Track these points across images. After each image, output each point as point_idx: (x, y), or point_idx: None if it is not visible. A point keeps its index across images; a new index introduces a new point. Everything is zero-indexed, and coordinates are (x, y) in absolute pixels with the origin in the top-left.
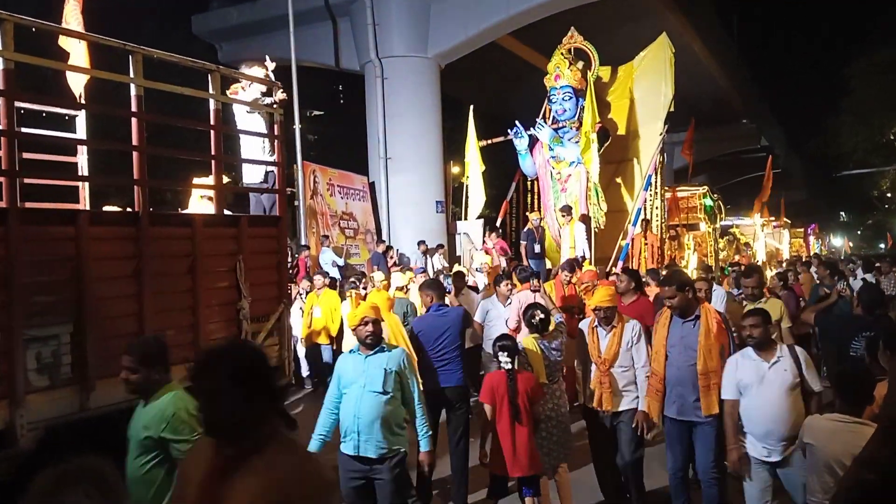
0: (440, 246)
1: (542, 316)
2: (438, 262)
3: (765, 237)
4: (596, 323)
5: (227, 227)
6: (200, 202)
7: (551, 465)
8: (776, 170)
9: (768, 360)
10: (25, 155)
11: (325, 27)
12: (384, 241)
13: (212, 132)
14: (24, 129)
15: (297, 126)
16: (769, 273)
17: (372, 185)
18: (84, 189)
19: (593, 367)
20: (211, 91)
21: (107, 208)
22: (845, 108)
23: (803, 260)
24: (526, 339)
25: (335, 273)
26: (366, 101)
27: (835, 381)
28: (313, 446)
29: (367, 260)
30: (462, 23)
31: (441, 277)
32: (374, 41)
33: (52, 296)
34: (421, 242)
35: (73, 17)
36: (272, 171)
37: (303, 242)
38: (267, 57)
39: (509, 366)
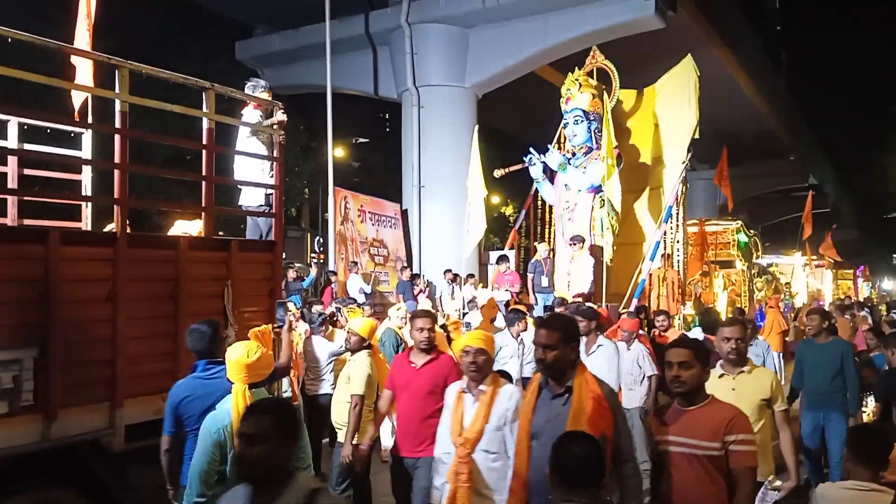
0: (471, 276)
1: None
2: (469, 291)
3: (806, 277)
4: (465, 385)
5: (215, 250)
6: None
7: None
8: (825, 209)
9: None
10: (26, 171)
11: (364, 55)
12: (408, 268)
13: (204, 152)
14: (25, 146)
15: (329, 151)
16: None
17: (405, 213)
18: (86, 208)
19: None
20: (205, 109)
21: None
22: (894, 145)
23: (845, 303)
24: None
25: (362, 300)
26: (402, 129)
27: (850, 440)
28: None
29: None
30: (500, 53)
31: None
32: (411, 70)
33: (15, 318)
34: (447, 271)
35: (81, 35)
36: (271, 195)
37: (331, 268)
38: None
39: None
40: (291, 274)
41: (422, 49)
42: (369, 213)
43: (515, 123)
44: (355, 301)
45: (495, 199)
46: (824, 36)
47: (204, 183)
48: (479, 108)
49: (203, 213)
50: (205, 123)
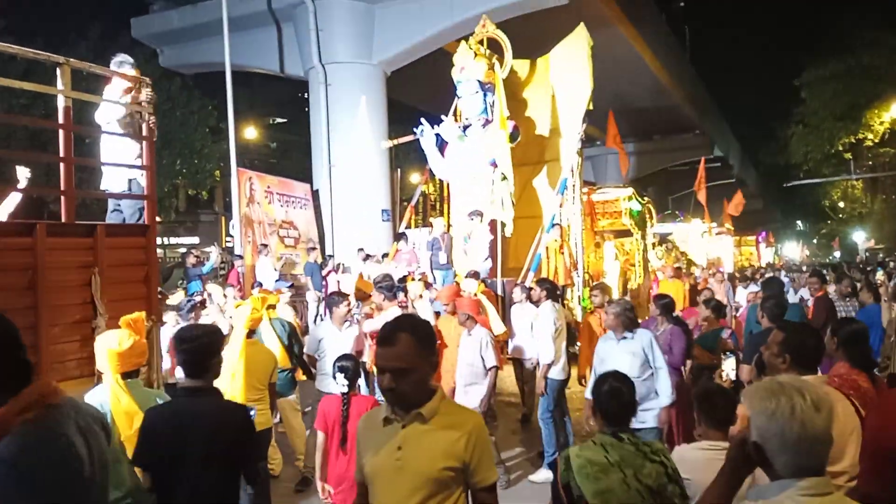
0: (385, 255)
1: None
2: (379, 269)
3: (706, 245)
4: None
5: (79, 236)
6: None
7: None
8: (729, 180)
9: None
10: None
11: (268, 32)
12: (316, 249)
13: (61, 132)
14: None
15: (231, 131)
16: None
17: (316, 193)
18: None
19: None
20: (59, 86)
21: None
22: (796, 119)
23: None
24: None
25: (272, 284)
26: (310, 107)
27: (699, 405)
28: None
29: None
30: (406, 30)
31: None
32: (317, 47)
33: None
34: (360, 250)
35: None
36: (135, 179)
37: (237, 252)
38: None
39: (345, 388)
40: (191, 259)
41: (327, 26)
42: (278, 194)
43: (426, 99)
44: (261, 285)
45: (415, 178)
46: (727, 12)
47: (62, 165)
48: (388, 84)
49: (63, 197)
50: (60, 101)
